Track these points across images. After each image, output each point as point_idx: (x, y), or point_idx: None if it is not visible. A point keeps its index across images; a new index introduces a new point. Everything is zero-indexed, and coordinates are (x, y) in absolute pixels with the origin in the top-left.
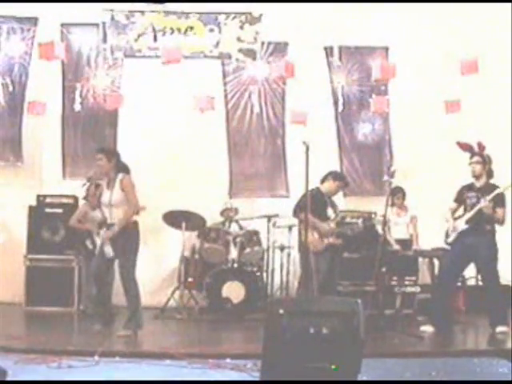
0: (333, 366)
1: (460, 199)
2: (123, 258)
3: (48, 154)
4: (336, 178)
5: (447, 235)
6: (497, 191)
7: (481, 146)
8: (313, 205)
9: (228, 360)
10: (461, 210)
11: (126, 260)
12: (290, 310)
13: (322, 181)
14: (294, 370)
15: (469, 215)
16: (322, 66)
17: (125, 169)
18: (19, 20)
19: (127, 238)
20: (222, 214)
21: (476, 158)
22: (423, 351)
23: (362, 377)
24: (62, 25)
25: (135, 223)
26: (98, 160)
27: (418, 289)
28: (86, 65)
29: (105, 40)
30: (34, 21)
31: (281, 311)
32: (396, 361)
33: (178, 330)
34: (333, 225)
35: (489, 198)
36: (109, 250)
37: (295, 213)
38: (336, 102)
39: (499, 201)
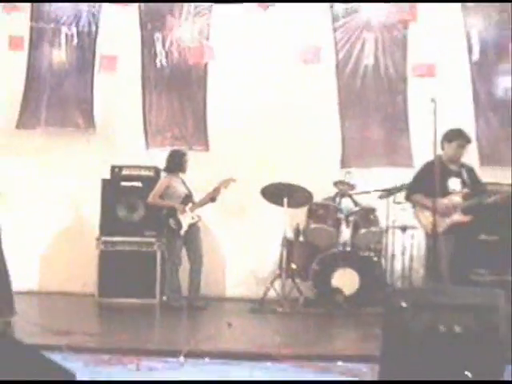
0: (467, 373)
1: None
2: None
3: (124, 118)
4: (451, 138)
5: None
6: None
7: None
8: (426, 180)
9: (339, 363)
10: None
11: None
12: (414, 303)
13: (441, 147)
14: (418, 376)
15: None
16: (454, 7)
17: None
18: None
19: None
20: (335, 185)
21: None
22: None
23: None
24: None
25: None
26: None
27: None
28: (168, 12)
29: None
30: None
31: (403, 304)
32: None
33: (279, 325)
34: (458, 199)
35: None
36: None
37: (407, 197)
38: (470, 50)
39: None
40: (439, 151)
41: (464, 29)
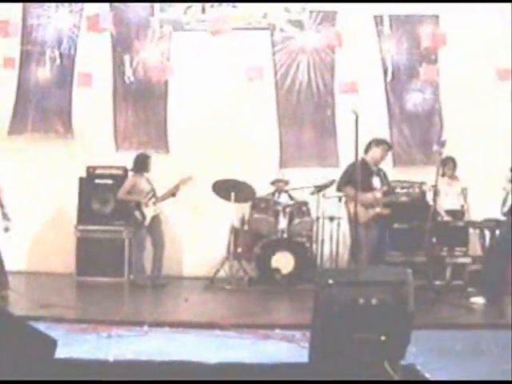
0: (382, 337)
1: None
2: None
3: (98, 126)
4: (378, 143)
5: (504, 205)
6: None
7: None
8: (353, 177)
9: (277, 330)
10: None
11: None
12: (339, 281)
13: (366, 150)
14: (342, 340)
15: None
16: (372, 35)
17: None
18: None
19: None
20: (273, 183)
21: None
22: (474, 323)
23: (411, 348)
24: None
25: None
26: None
27: (468, 260)
28: (135, 37)
29: (152, 13)
30: None
31: (330, 281)
32: (446, 333)
33: (227, 300)
34: (379, 195)
35: None
36: None
37: (339, 188)
38: (385, 71)
39: None
40: (362, 154)
41: (380, 53)
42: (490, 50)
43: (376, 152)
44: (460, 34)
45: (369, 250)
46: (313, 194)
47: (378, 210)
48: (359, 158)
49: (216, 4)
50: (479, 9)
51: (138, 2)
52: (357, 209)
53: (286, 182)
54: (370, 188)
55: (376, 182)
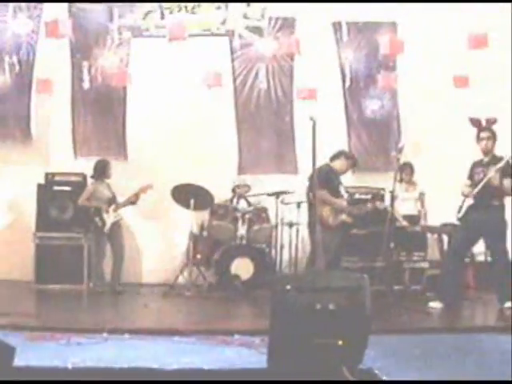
0: (340, 342)
1: (471, 175)
2: None
3: (56, 132)
4: (348, 157)
5: (459, 211)
6: (503, 161)
7: (489, 121)
8: (327, 181)
9: (236, 336)
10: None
11: None
12: (296, 286)
13: (333, 159)
14: (300, 345)
15: (475, 190)
16: (330, 42)
17: None
18: None
19: None
20: (233, 190)
21: (485, 134)
22: (431, 327)
23: (369, 353)
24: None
25: None
26: None
27: (426, 264)
28: (94, 44)
29: (111, 19)
30: None
31: (287, 287)
32: (404, 337)
33: (186, 306)
34: (345, 203)
35: (495, 167)
36: None
37: (311, 190)
38: (344, 78)
39: (506, 171)
40: (327, 161)
41: (338, 60)
42: (448, 58)
43: (344, 164)
44: (418, 41)
45: (329, 256)
46: (271, 195)
47: (344, 217)
48: (324, 164)
49: (176, 9)
50: (437, 16)
51: (115, 2)
52: (324, 213)
53: (248, 188)
54: (339, 195)
55: (343, 190)
